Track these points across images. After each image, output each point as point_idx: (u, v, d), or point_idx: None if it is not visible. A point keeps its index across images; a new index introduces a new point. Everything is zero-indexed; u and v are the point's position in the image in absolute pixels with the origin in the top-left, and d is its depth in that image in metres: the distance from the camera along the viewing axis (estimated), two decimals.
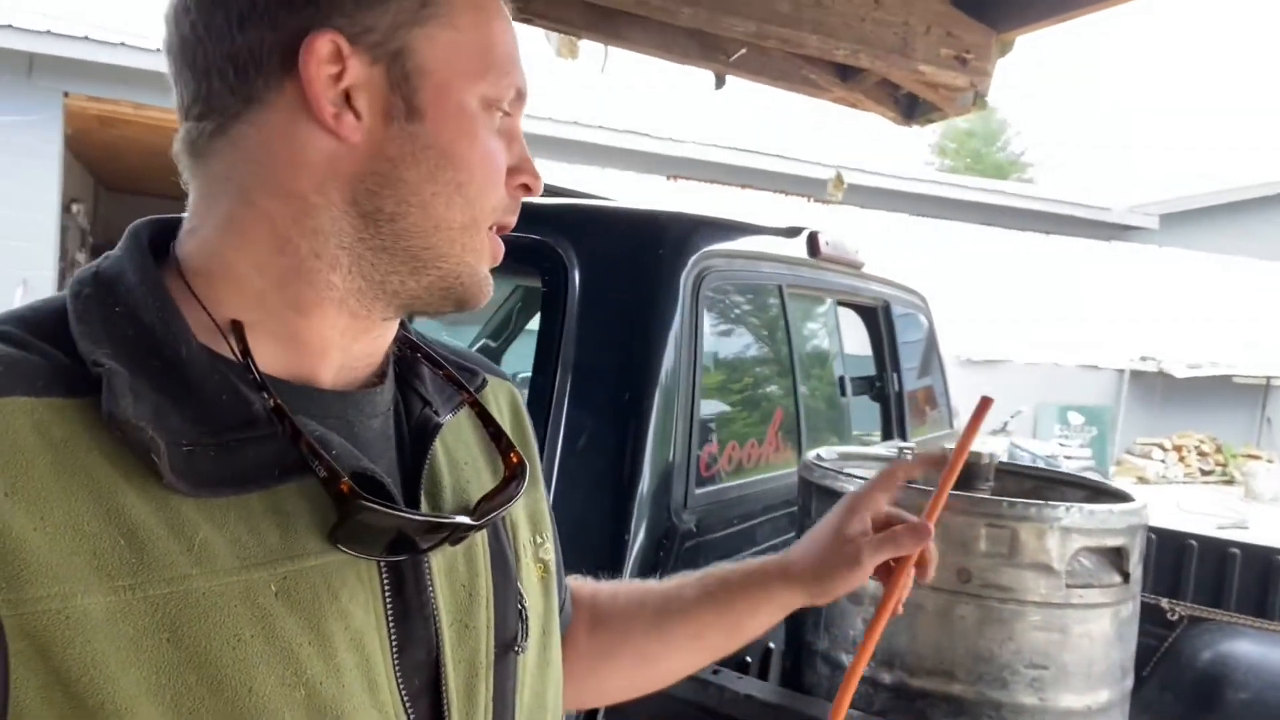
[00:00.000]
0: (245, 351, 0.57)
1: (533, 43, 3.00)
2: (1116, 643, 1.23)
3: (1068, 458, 9.28)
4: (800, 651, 1.38)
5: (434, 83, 0.60)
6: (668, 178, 10.29)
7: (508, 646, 0.69)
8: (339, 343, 0.63)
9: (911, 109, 3.25)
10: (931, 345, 2.69)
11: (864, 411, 2.27)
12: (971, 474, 1.36)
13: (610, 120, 9.71)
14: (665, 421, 1.39)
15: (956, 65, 2.83)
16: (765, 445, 1.64)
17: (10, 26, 6.91)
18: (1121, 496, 1.35)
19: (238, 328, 0.58)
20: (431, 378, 0.72)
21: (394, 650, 0.60)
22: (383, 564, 0.60)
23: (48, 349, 0.53)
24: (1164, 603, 2.35)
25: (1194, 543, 2.41)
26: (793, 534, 1.39)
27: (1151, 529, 2.44)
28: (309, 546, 0.56)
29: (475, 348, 2.14)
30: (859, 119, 3.53)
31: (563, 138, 9.47)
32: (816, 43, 2.64)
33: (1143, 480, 12.36)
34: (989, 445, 8.18)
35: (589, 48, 2.98)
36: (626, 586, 0.95)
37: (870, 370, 2.33)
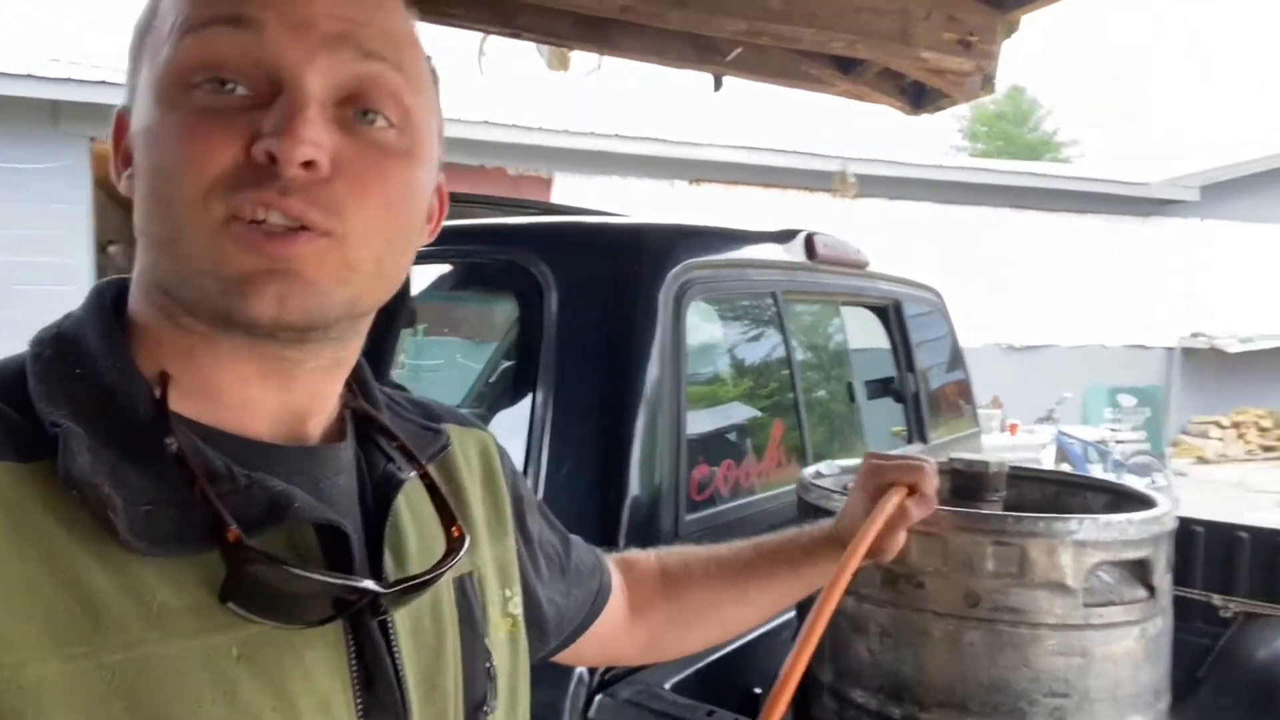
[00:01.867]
0: (163, 400, 0.55)
1: (525, 56, 2.95)
2: (1145, 663, 1.13)
3: (1119, 442, 9.00)
4: (809, 685, 1.30)
5: (140, 106, 0.57)
6: (690, 182, 10.21)
7: (477, 707, 0.68)
8: (259, 396, 0.60)
9: (919, 97, 3.15)
10: (948, 339, 2.58)
11: (881, 415, 2.17)
12: (980, 485, 1.27)
13: (626, 128, 9.67)
14: (650, 444, 1.32)
15: (961, 49, 2.73)
16: (765, 461, 1.56)
17: (31, 76, 7.06)
18: (1146, 502, 1.25)
19: (164, 379, 0.56)
20: (397, 430, 0.70)
21: (359, 714, 0.58)
22: (346, 624, 0.58)
23: (4, 410, 0.52)
24: (1216, 599, 2.23)
25: (1245, 535, 2.27)
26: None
27: (1199, 522, 2.31)
28: None
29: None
30: (877, 111, 3.44)
31: (580, 149, 9.44)
32: (811, 36, 2.56)
33: (1202, 460, 11.99)
34: (1036, 435, 7.96)
35: (581, 58, 2.93)
36: (693, 555, 1.02)
37: (885, 372, 2.23)
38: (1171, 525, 1.18)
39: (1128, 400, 11.21)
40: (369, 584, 0.57)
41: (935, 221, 11.20)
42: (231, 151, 0.53)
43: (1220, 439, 12.31)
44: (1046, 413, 8.57)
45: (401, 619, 0.62)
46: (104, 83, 7.38)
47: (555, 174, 9.50)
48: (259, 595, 0.53)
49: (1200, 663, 2.17)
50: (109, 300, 0.60)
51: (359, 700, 0.58)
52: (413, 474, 0.67)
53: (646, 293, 1.37)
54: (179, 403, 0.57)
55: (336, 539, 0.58)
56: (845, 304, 2.06)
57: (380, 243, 0.58)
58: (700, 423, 1.47)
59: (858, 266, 2.02)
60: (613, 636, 0.97)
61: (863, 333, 2.16)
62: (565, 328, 1.36)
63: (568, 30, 2.69)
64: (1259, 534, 2.25)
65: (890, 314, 2.21)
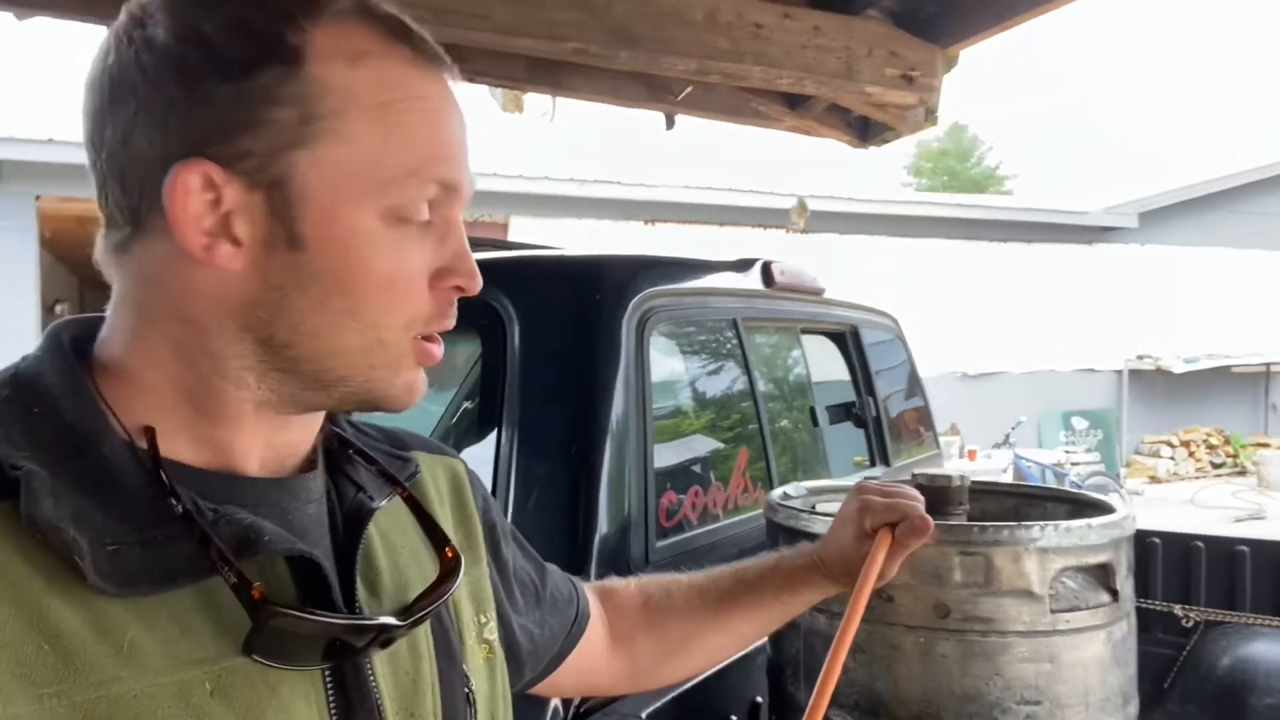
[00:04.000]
0: (155, 458, 0.55)
1: (477, 101, 2.99)
2: (1113, 667, 1.15)
3: (1074, 464, 9.15)
4: (784, 705, 1.30)
5: (319, 208, 0.56)
6: (645, 223, 10.31)
7: None
8: (258, 442, 0.61)
9: (865, 131, 3.25)
10: (906, 365, 2.62)
11: (843, 440, 2.20)
12: (943, 499, 1.28)
13: (580, 171, 9.76)
14: (618, 474, 1.32)
15: (903, 84, 2.82)
16: (731, 487, 1.57)
17: None
18: (1104, 509, 1.28)
19: (150, 433, 0.56)
20: (364, 465, 0.70)
21: None
22: (325, 668, 0.58)
23: None
24: (1177, 609, 2.26)
25: (1200, 544, 2.32)
26: None
27: (1155, 534, 2.36)
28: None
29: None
30: (828, 148, 3.53)
31: (535, 193, 9.50)
32: (759, 74, 2.63)
33: (1155, 479, 12.22)
34: (994, 460, 8.07)
35: (534, 100, 2.97)
36: (675, 584, 1.01)
37: (846, 397, 2.26)
38: (1131, 530, 1.21)
39: (1080, 423, 11.43)
40: (386, 619, 0.59)
41: (887, 255, 11.41)
42: (428, 291, 0.61)
43: (1172, 458, 12.58)
44: (1003, 437, 8.70)
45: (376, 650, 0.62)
46: (51, 141, 7.30)
47: (511, 218, 9.54)
48: (280, 645, 0.54)
49: (1166, 673, 2.20)
50: (67, 341, 0.59)
51: None
52: (383, 503, 0.68)
53: (609, 322, 1.38)
54: (142, 441, 0.56)
55: (308, 570, 0.58)
56: (804, 330, 2.10)
57: None
58: (666, 450, 1.48)
59: (814, 293, 2.06)
60: (592, 666, 0.96)
61: (823, 358, 2.19)
62: (529, 359, 1.37)
63: (520, 73, 2.73)
64: (1213, 543, 2.30)
65: (848, 339, 2.25)
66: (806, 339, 2.16)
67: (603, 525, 1.30)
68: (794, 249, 9.58)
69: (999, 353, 12.05)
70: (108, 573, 0.50)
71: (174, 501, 0.54)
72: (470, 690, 0.71)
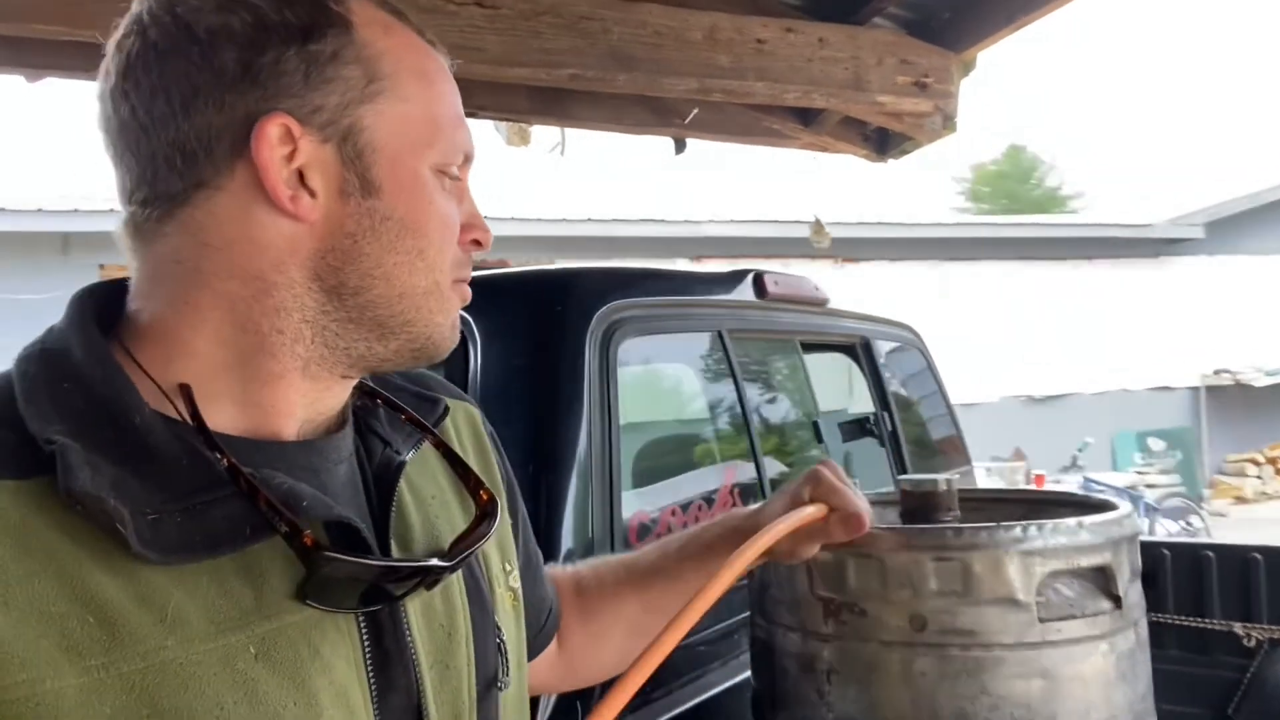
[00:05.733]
0: (195, 414, 0.57)
1: (495, 144, 2.98)
2: (1118, 682, 1.03)
3: (1149, 486, 8.73)
4: None
5: (387, 156, 0.61)
6: (691, 260, 10.29)
7: (490, 684, 0.70)
8: (301, 403, 0.63)
9: (883, 143, 3.17)
10: (929, 376, 2.51)
11: (857, 456, 2.09)
12: (930, 505, 1.19)
13: (624, 212, 9.81)
14: (582, 494, 1.26)
15: (916, 91, 2.75)
16: (717, 505, 1.49)
17: (41, 210, 7.29)
18: (1105, 508, 1.17)
19: (186, 391, 0.58)
20: (389, 417, 0.72)
21: (374, 700, 0.60)
22: (360, 613, 0.60)
23: None
24: (1237, 628, 2.10)
25: (1259, 556, 2.15)
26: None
27: (1208, 547, 2.20)
28: (285, 604, 0.56)
29: None
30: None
31: (580, 235, 9.57)
32: (764, 90, 2.59)
33: (1241, 499, 11.62)
34: (1063, 485, 7.75)
35: (543, 138, 2.97)
36: (606, 565, 1.00)
37: (859, 411, 2.16)
38: (1132, 529, 1.10)
39: (1157, 443, 10.93)
40: (433, 560, 0.62)
41: (942, 280, 11.18)
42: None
43: (1258, 476, 11.95)
44: (1070, 461, 8.36)
45: (412, 602, 0.63)
46: (113, 211, 7.60)
47: (558, 262, 9.62)
48: (329, 592, 0.56)
49: (1229, 697, 2.03)
50: (90, 310, 0.60)
51: (373, 685, 0.60)
52: (411, 454, 0.69)
53: (572, 335, 1.33)
54: (167, 406, 0.57)
55: (345, 534, 0.59)
56: (807, 343, 2.01)
57: None
58: (640, 467, 1.41)
59: (815, 304, 1.98)
60: (538, 665, 0.91)
61: (832, 372, 2.10)
62: (490, 377, 1.33)
63: (522, 104, 2.73)
64: (1273, 554, 2.12)
65: (859, 352, 2.16)
66: (815, 352, 2.07)
67: (566, 545, 1.24)
68: (843, 278, 9.45)
69: (1067, 374, 11.65)
70: (149, 540, 0.51)
71: (218, 456, 0.55)
72: (502, 640, 0.72)
